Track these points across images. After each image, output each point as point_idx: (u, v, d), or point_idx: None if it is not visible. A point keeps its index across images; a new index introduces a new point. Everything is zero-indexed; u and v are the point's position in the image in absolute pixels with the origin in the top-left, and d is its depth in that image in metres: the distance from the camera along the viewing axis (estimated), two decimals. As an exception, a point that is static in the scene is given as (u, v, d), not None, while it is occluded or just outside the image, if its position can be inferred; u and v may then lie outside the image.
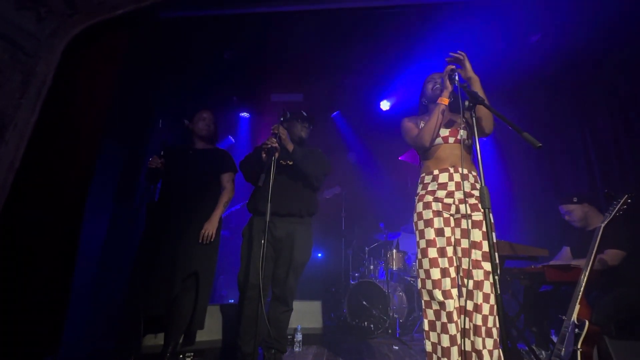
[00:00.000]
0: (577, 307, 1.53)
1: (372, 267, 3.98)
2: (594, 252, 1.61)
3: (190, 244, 2.06)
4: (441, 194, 1.58)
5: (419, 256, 1.56)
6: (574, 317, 1.52)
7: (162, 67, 3.36)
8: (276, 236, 2.05)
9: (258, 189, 2.17)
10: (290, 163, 2.13)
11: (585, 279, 1.57)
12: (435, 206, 1.57)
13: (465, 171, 1.58)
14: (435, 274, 1.48)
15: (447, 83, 1.57)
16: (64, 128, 1.73)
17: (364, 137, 4.88)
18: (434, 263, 1.50)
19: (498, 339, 1.38)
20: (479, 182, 1.60)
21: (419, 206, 1.62)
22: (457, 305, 1.47)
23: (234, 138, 4.68)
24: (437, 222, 1.54)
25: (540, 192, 3.43)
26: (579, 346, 1.43)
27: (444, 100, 1.58)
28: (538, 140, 1.14)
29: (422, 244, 1.55)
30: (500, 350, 1.34)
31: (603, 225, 1.66)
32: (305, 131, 2.27)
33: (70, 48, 1.78)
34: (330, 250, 4.77)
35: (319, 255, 4.36)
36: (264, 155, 2.00)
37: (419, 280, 1.55)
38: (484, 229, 1.49)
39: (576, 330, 1.48)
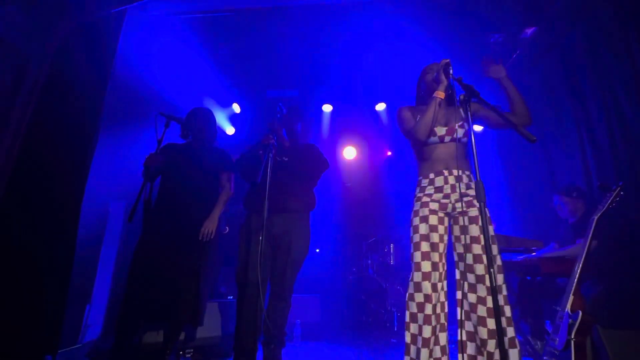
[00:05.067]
0: (571, 298, 1.56)
1: (370, 261, 4.01)
2: (588, 243, 1.63)
3: (189, 242, 2.07)
4: (438, 196, 1.64)
5: (412, 250, 1.61)
6: (568, 307, 1.55)
7: (158, 63, 3.33)
8: (273, 233, 2.05)
9: (255, 186, 2.17)
10: (287, 160, 2.13)
11: (579, 271, 1.60)
12: (433, 205, 1.63)
13: (460, 172, 1.62)
14: (426, 266, 1.53)
15: (442, 77, 1.58)
16: (59, 125, 1.72)
17: (360, 133, 4.88)
18: (425, 256, 1.55)
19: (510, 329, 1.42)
20: (473, 181, 1.65)
21: (417, 205, 1.67)
22: (442, 299, 1.53)
23: (230, 134, 4.65)
24: (432, 220, 1.60)
25: (536, 185, 3.46)
26: (572, 336, 1.46)
27: (440, 94, 1.59)
28: (532, 134, 1.15)
29: (416, 238, 1.60)
30: (496, 340, 1.38)
31: (597, 217, 1.68)
32: (300, 125, 2.28)
33: (63, 44, 1.76)
34: (329, 245, 4.79)
35: (317, 250, 4.39)
36: (261, 152, 1.99)
37: (411, 274, 1.59)
38: (480, 223, 1.51)
39: (570, 320, 1.51)
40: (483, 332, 1.42)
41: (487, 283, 1.44)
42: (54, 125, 1.68)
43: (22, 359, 1.44)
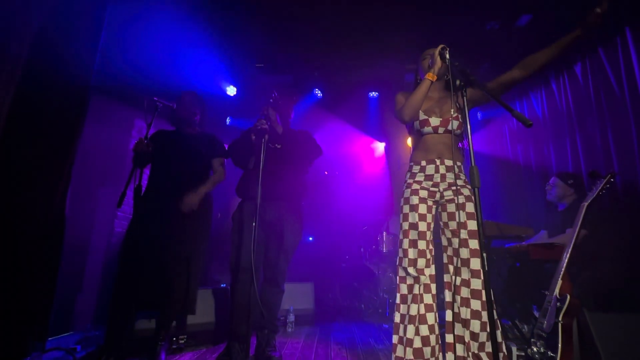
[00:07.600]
0: (560, 282, 1.59)
1: (362, 249, 4.04)
2: (577, 229, 1.66)
3: (180, 229, 2.04)
4: (427, 184, 1.66)
5: (400, 237, 1.65)
6: (557, 291, 1.58)
7: (148, 46, 3.22)
8: (266, 220, 2.04)
9: (247, 173, 2.15)
10: (279, 146, 2.10)
11: (568, 256, 1.62)
12: (422, 194, 1.65)
13: (451, 162, 1.64)
14: (412, 254, 1.58)
15: (438, 59, 1.55)
16: (42, 111, 1.65)
17: (354, 120, 4.84)
18: (412, 244, 1.59)
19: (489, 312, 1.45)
20: (462, 172, 1.68)
21: (407, 192, 1.69)
22: (428, 282, 1.57)
23: (220, 119, 4.57)
24: (422, 208, 1.63)
25: (525, 172, 3.50)
26: (560, 319, 1.50)
27: (431, 76, 1.57)
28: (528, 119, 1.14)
29: (405, 225, 1.64)
30: (480, 321, 1.42)
31: (586, 204, 1.70)
32: (292, 111, 2.25)
33: (46, 22, 1.68)
34: (322, 233, 4.81)
35: (310, 239, 4.41)
36: (253, 137, 1.96)
37: (397, 258, 1.65)
38: (467, 209, 1.57)
39: (558, 304, 1.54)
40: (466, 313, 1.48)
41: (472, 266, 1.49)
42: (36, 108, 1.62)
43: (9, 346, 1.42)
